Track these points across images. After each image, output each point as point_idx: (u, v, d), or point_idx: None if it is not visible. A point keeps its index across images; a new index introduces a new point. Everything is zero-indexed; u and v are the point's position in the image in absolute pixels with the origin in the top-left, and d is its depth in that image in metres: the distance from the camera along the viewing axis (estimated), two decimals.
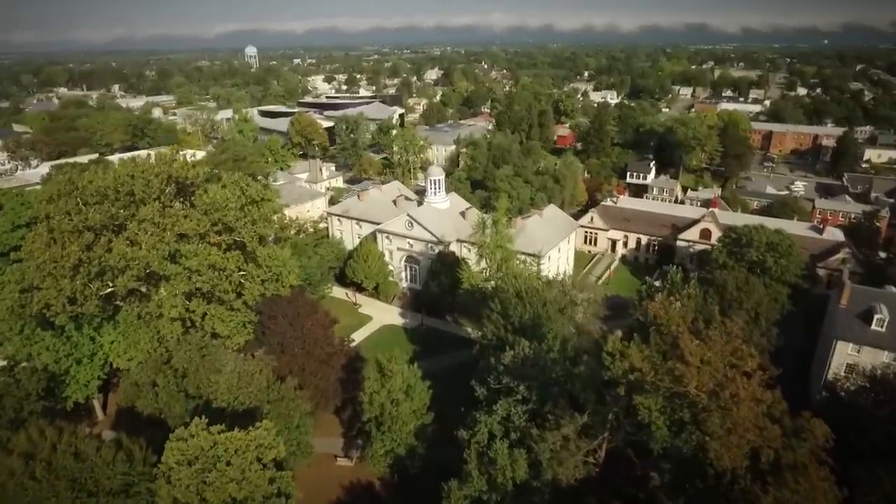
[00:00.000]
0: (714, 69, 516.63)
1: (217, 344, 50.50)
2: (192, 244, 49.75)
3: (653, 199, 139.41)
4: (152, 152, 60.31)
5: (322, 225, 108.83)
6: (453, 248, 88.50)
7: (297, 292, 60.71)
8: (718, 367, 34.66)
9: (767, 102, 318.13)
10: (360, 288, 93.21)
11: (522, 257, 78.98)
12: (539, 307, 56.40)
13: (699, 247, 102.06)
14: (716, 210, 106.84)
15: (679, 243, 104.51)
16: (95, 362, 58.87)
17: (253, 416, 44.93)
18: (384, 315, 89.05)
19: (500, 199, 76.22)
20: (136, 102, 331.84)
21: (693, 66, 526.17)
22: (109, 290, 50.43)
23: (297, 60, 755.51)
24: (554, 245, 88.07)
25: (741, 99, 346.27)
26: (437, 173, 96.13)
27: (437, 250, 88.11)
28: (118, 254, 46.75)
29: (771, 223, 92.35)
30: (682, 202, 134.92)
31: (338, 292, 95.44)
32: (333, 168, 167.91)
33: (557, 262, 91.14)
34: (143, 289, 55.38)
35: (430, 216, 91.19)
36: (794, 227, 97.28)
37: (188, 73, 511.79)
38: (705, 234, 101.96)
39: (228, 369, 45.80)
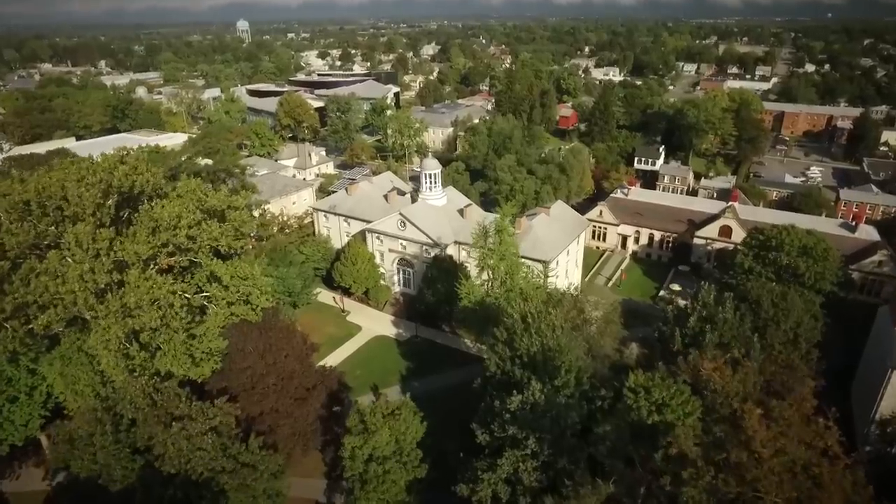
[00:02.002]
0: (718, 44, 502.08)
1: (168, 387, 42.11)
2: (137, 269, 40.98)
3: (664, 187, 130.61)
4: (97, 156, 51.00)
5: (308, 220, 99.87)
6: (451, 250, 79.97)
7: (269, 316, 52.33)
8: (795, 456, 26.50)
9: (775, 80, 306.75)
10: (348, 292, 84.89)
11: (528, 263, 70.26)
12: (549, 337, 48.15)
13: (718, 244, 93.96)
14: (735, 204, 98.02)
15: (696, 240, 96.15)
16: (36, 398, 50.69)
17: (208, 486, 36.92)
18: (374, 324, 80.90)
19: (503, 207, 67.14)
20: (122, 80, 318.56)
21: (697, 42, 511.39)
22: (30, 327, 41.69)
23: (290, 35, 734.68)
24: (563, 248, 79.37)
25: (748, 76, 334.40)
26: (433, 166, 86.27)
27: (432, 253, 79.52)
28: (39, 287, 38.12)
29: (796, 219, 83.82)
30: (696, 191, 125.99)
31: (325, 296, 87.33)
32: (324, 152, 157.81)
33: (566, 266, 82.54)
34: (88, 315, 46.96)
35: (425, 215, 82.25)
36: (824, 224, 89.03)
37: (177, 49, 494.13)
38: (725, 231, 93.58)
39: (175, 429, 37.48)
